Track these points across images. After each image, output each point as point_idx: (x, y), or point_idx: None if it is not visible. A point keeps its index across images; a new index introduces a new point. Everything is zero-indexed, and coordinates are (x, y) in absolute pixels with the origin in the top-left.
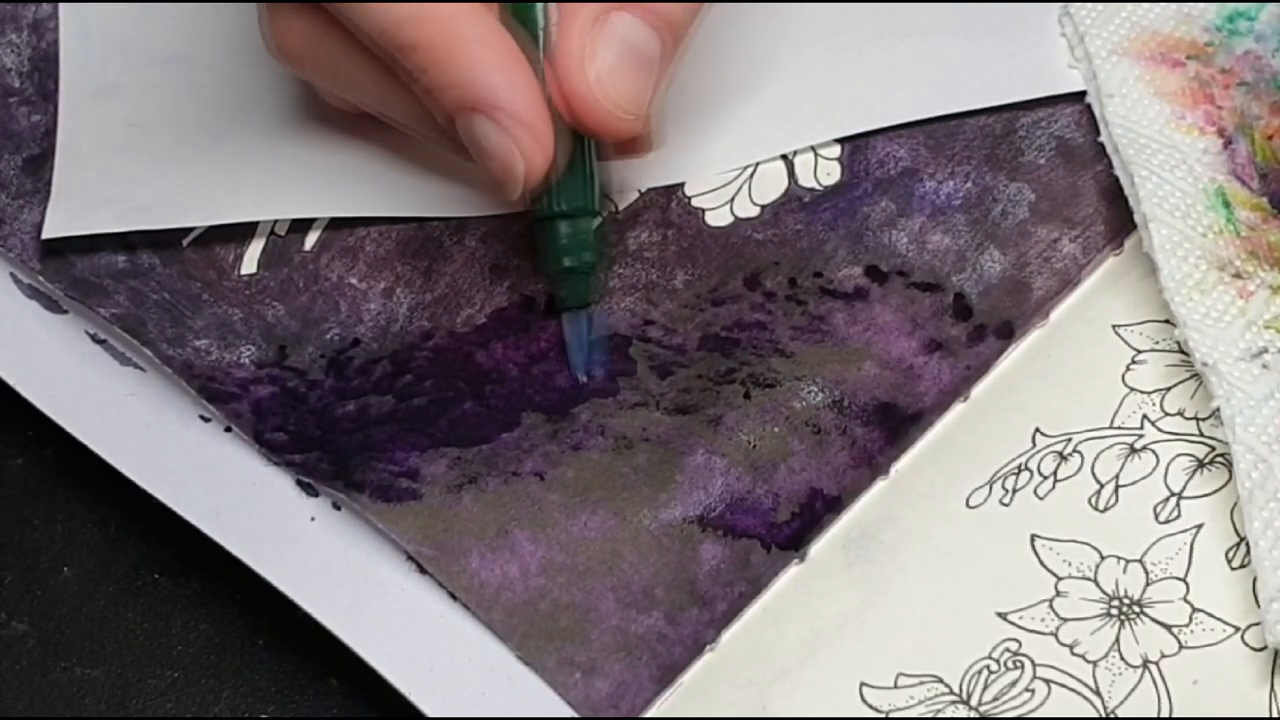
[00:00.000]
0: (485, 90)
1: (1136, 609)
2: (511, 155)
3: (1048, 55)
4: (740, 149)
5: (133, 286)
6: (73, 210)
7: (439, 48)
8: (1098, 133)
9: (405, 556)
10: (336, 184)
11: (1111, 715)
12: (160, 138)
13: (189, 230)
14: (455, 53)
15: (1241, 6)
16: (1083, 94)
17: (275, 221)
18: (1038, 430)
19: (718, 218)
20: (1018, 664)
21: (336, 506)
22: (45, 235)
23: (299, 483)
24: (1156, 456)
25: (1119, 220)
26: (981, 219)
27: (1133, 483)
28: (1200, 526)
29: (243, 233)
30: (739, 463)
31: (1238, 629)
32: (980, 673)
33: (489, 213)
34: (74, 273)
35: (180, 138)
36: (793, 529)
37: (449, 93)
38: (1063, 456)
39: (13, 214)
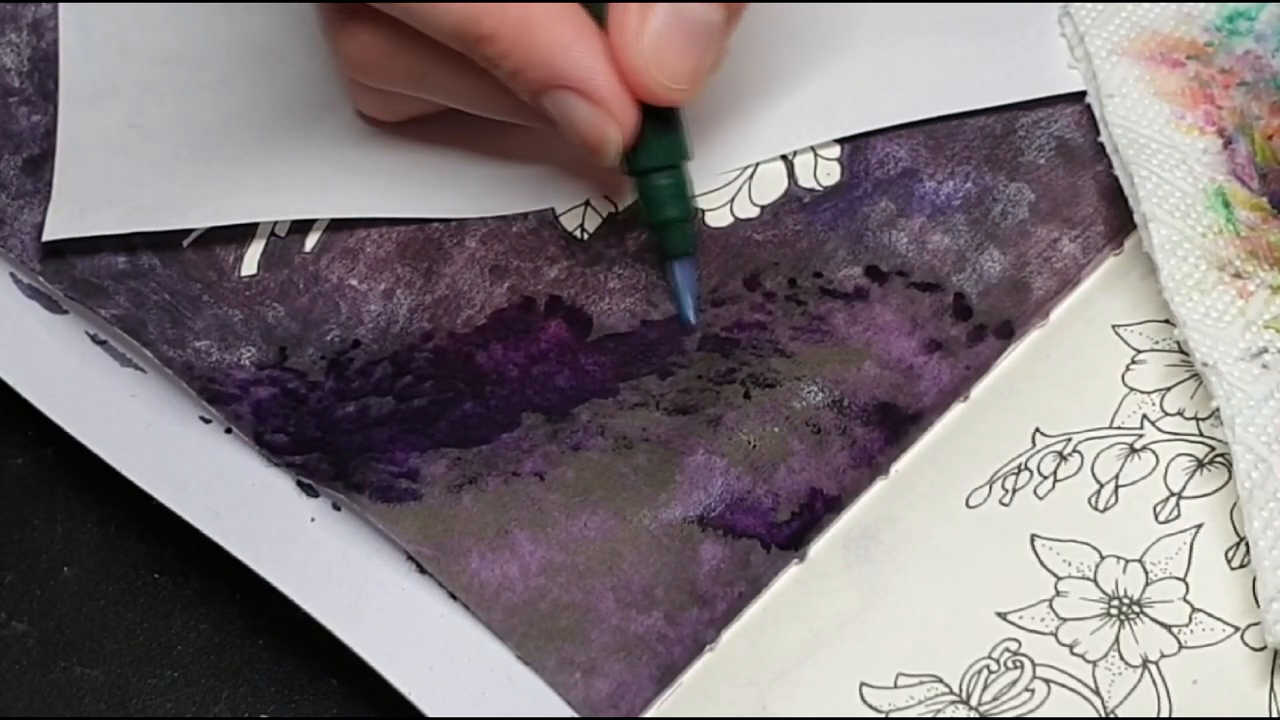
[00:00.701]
0: (567, 67)
1: (1136, 609)
2: (602, 125)
3: (1048, 55)
4: (740, 149)
5: (133, 287)
6: (73, 212)
7: (515, 33)
8: (1097, 133)
9: (405, 557)
10: (337, 185)
11: (1111, 715)
12: (160, 138)
13: (189, 231)
14: (532, 35)
15: (1241, 6)
16: (1083, 94)
17: (275, 223)
18: (1037, 430)
19: (717, 218)
20: (1017, 664)
21: (336, 507)
22: (46, 237)
23: (299, 483)
24: (1156, 456)
25: (1119, 220)
26: (981, 219)
27: (1132, 482)
28: (1200, 526)
29: (243, 234)
30: (739, 463)
31: (1237, 629)
32: (980, 673)
33: (490, 214)
34: (74, 273)
35: (180, 138)
36: (793, 529)
37: (531, 74)
38: (1062, 456)
39: (13, 214)
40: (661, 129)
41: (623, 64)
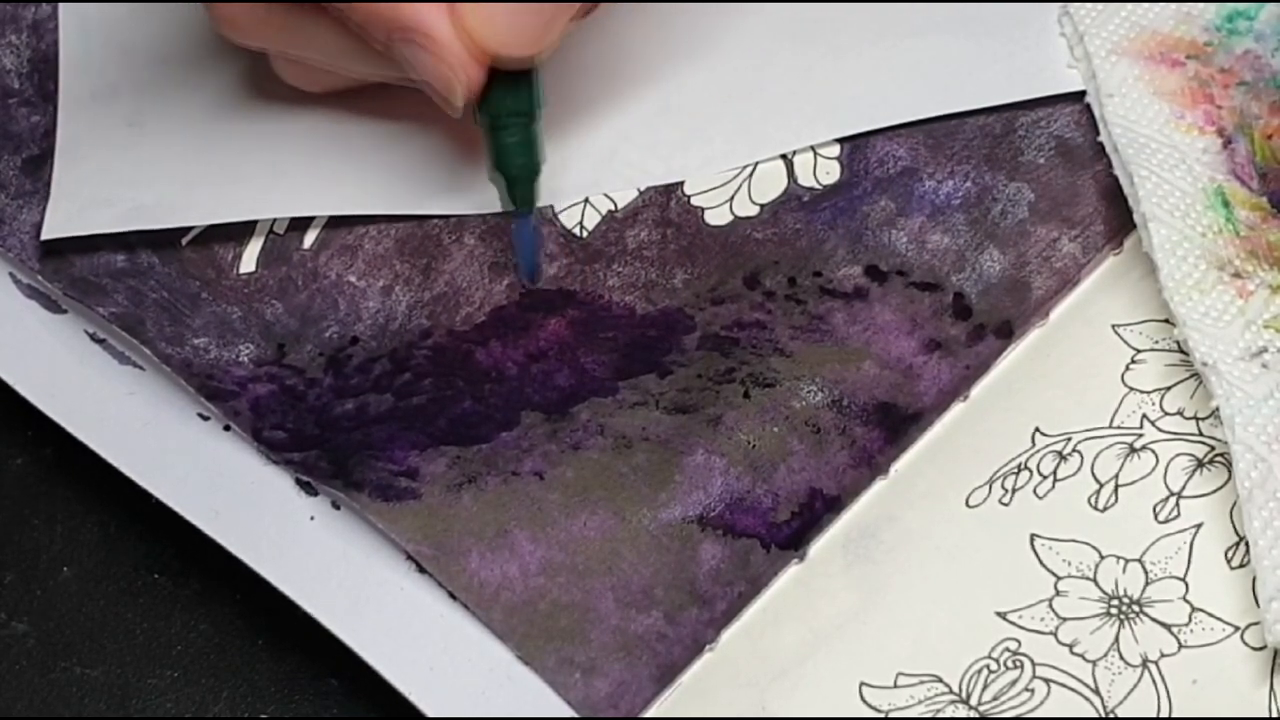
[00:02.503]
0: (408, 17)
1: (1136, 608)
2: (446, 76)
3: (1047, 55)
4: (740, 149)
5: (132, 285)
6: (72, 210)
7: None
8: (1097, 132)
9: (405, 556)
10: (335, 182)
11: (1111, 715)
12: (160, 138)
13: (188, 229)
14: None
15: (1241, 6)
16: (1082, 93)
17: (274, 220)
18: (1037, 430)
19: (717, 217)
20: (1017, 663)
21: (336, 506)
22: (45, 235)
23: (298, 482)
24: (1156, 456)
25: (1118, 220)
26: (981, 218)
27: (1132, 482)
28: (1200, 526)
29: (241, 231)
30: (738, 462)
31: (1237, 628)
32: (980, 672)
33: (489, 210)
34: (73, 272)
35: (180, 138)
36: (792, 529)
37: (376, 24)
38: (1062, 456)
39: (12, 214)
40: (510, 82)
41: (459, 20)
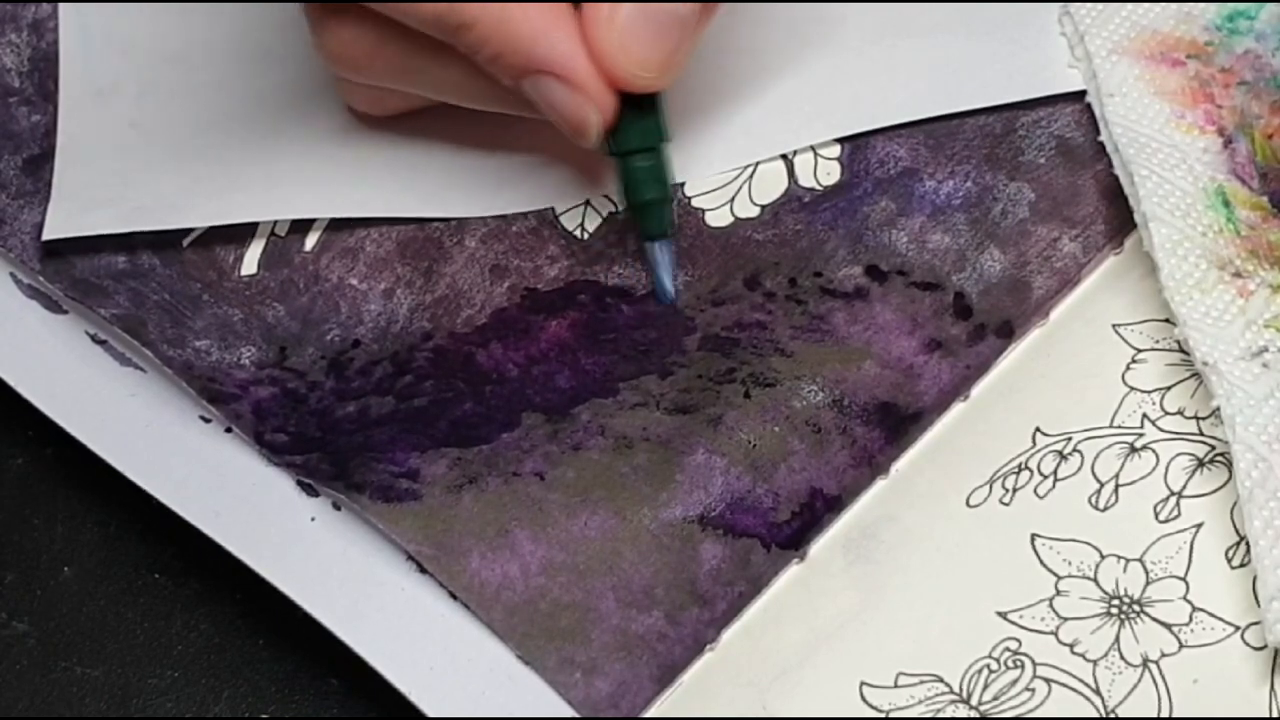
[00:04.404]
0: (544, 52)
1: (1136, 608)
2: (581, 109)
3: (1047, 54)
4: (740, 149)
5: (133, 287)
6: (73, 211)
7: (494, 20)
8: (1098, 132)
9: (405, 556)
10: (337, 184)
11: (1111, 714)
12: (160, 138)
13: (189, 231)
14: (510, 21)
15: (1241, 6)
16: (1083, 93)
17: (275, 222)
18: (1038, 429)
19: (717, 218)
20: (1018, 663)
21: (337, 507)
22: (46, 236)
23: (299, 483)
24: (1156, 455)
25: (1119, 219)
26: (981, 218)
27: (1133, 482)
28: (1200, 525)
29: (243, 233)
30: (739, 462)
31: (1238, 628)
32: (980, 672)
33: (490, 213)
34: (74, 273)
35: (180, 138)
36: (793, 528)
37: (510, 59)
38: (1063, 456)
39: (13, 214)
40: (640, 112)
41: (594, 51)
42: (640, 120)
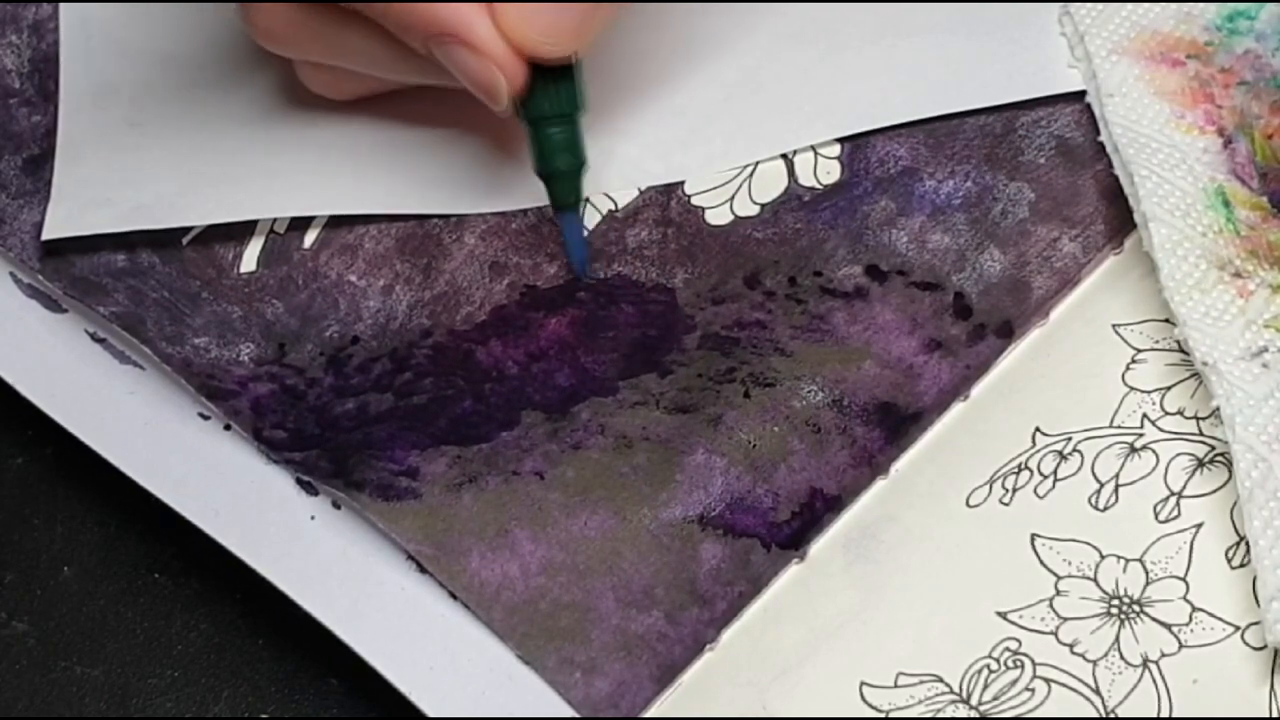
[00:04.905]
0: (447, 18)
1: (1136, 608)
2: (489, 74)
3: (1048, 55)
4: (740, 148)
5: (132, 285)
6: (73, 210)
7: None
8: (1097, 132)
9: (405, 556)
10: (336, 182)
11: (1111, 715)
12: (160, 137)
13: (188, 229)
14: None
15: (1241, 6)
16: (1083, 93)
17: (274, 219)
18: (1038, 429)
19: (718, 216)
20: (1018, 663)
21: (336, 505)
22: (45, 235)
23: (299, 481)
24: (1156, 456)
25: (1119, 219)
26: (981, 218)
27: (1133, 482)
28: (1200, 525)
29: (242, 231)
30: (739, 462)
31: (1238, 628)
32: (980, 672)
33: (489, 210)
34: (73, 271)
35: (180, 137)
36: (793, 528)
37: (416, 27)
38: (1063, 456)
39: (13, 214)
40: (553, 80)
41: (498, 18)
42: (553, 87)
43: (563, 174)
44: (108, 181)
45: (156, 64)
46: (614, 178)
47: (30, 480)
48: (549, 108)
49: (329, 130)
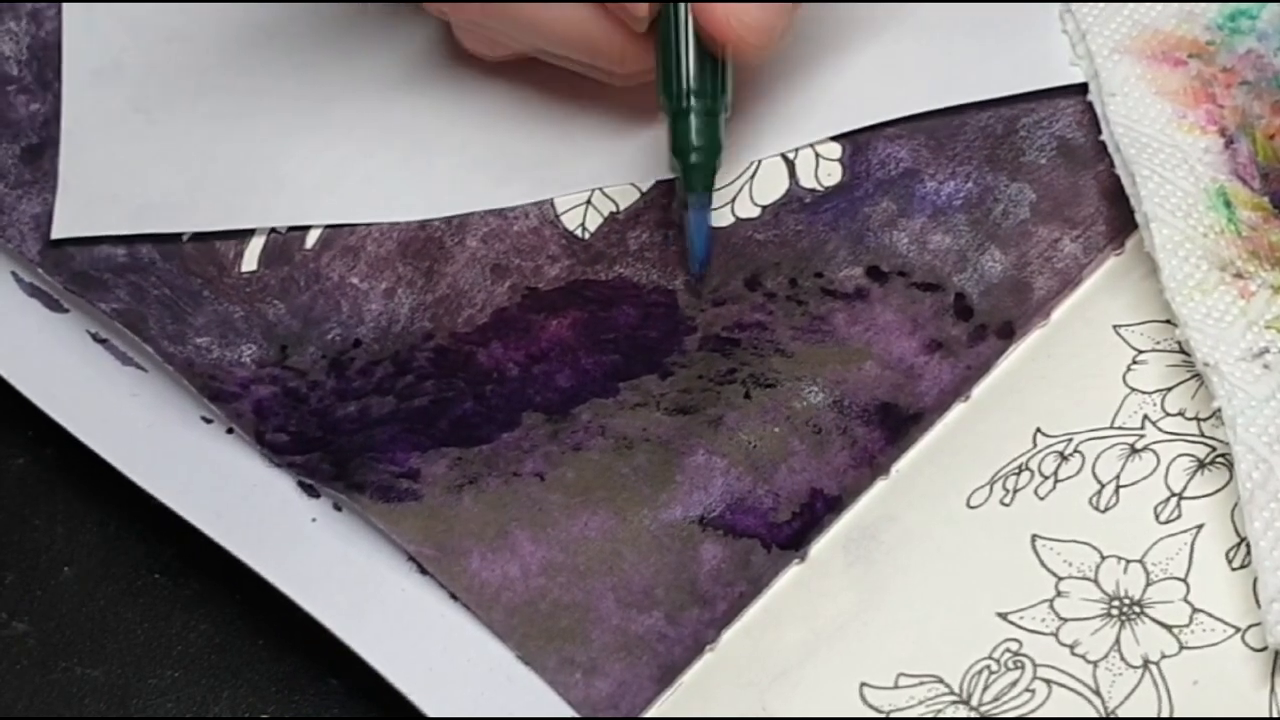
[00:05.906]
0: None
1: (1137, 609)
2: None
3: (1049, 53)
4: (740, 148)
5: (133, 281)
6: (80, 207)
7: None
8: (1099, 132)
9: (406, 557)
10: (338, 188)
11: (1111, 715)
12: (164, 124)
13: None
14: None
15: (1243, 5)
16: (1084, 88)
17: None
18: (1038, 430)
19: (718, 218)
20: (1018, 664)
21: (337, 507)
22: (55, 235)
23: (300, 484)
24: (1157, 457)
25: (1120, 220)
26: (982, 219)
27: (1133, 483)
28: (1201, 527)
29: (243, 229)
30: (739, 463)
31: (1238, 629)
32: (980, 673)
33: (488, 207)
34: (73, 265)
35: (185, 126)
36: (793, 529)
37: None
38: (1063, 456)
39: (11, 204)
40: (711, 77)
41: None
42: (716, 74)
43: (700, 166)
44: (114, 174)
45: (160, 43)
46: (614, 176)
47: (30, 480)
48: (699, 100)
49: (336, 126)
